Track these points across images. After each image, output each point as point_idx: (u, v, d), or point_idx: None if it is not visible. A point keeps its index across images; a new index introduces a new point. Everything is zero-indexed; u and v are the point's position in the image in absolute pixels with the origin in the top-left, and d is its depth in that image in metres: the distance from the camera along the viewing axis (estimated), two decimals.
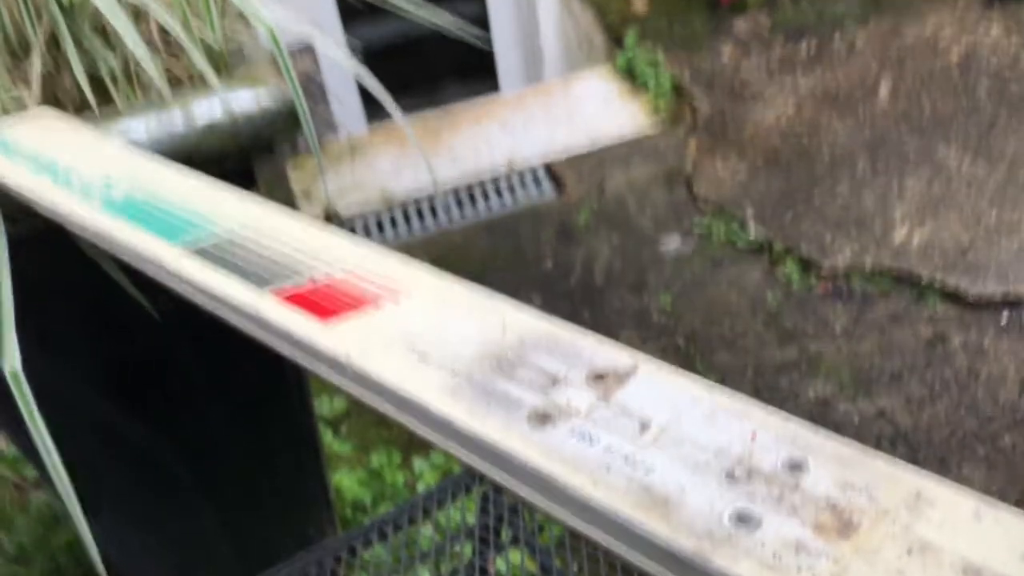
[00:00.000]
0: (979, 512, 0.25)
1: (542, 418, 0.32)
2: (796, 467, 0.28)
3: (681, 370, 0.33)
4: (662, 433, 0.30)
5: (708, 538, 0.25)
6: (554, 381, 0.33)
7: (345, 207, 2.09)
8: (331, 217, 2.03)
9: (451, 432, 0.33)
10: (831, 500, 0.26)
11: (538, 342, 0.36)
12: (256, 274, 0.44)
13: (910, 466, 0.27)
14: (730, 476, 0.27)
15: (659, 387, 0.32)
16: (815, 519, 0.25)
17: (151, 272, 0.49)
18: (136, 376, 0.89)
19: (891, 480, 0.27)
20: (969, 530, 0.25)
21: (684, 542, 0.25)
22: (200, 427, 0.96)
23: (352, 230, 2.02)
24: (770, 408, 0.30)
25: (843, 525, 0.25)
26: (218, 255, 0.46)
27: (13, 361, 0.60)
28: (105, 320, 0.84)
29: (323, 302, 0.40)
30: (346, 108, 2.64)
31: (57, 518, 1.34)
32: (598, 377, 0.33)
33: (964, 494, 0.26)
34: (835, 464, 0.27)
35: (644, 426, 0.30)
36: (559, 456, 0.30)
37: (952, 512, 0.25)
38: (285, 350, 0.40)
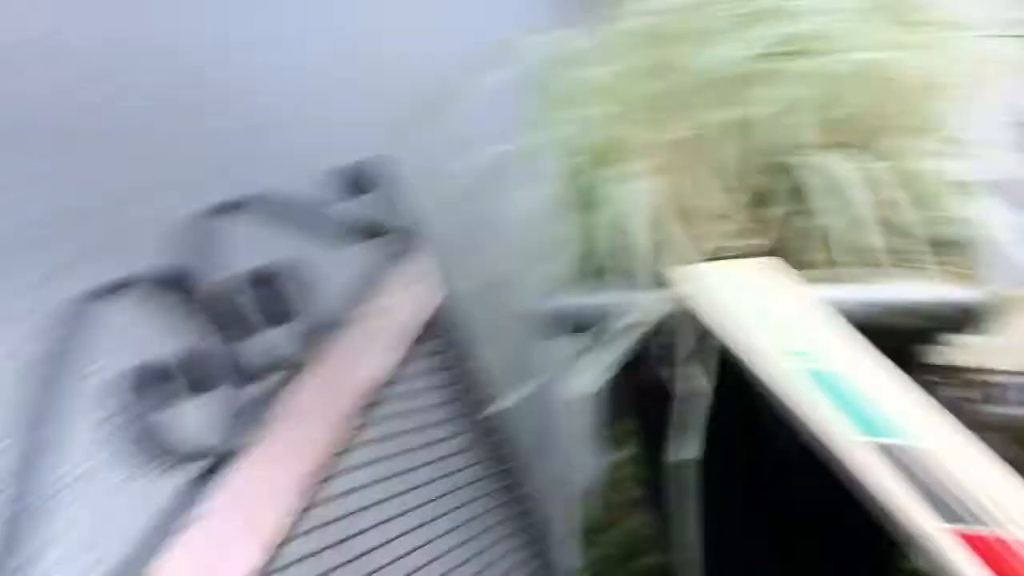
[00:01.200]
0: None
1: None
2: None
3: None
4: None
5: None
6: None
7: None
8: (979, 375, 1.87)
9: None
10: None
11: None
12: (939, 501, 0.46)
13: None
14: None
15: None
16: None
17: (822, 445, 0.55)
18: (758, 490, 0.97)
19: None
20: None
21: None
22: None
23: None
24: None
25: None
26: (902, 463, 0.50)
27: (694, 450, 0.76)
28: (752, 432, 0.94)
29: (1005, 563, 0.41)
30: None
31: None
32: None
33: None
34: None
35: None
36: None
37: None
38: None
